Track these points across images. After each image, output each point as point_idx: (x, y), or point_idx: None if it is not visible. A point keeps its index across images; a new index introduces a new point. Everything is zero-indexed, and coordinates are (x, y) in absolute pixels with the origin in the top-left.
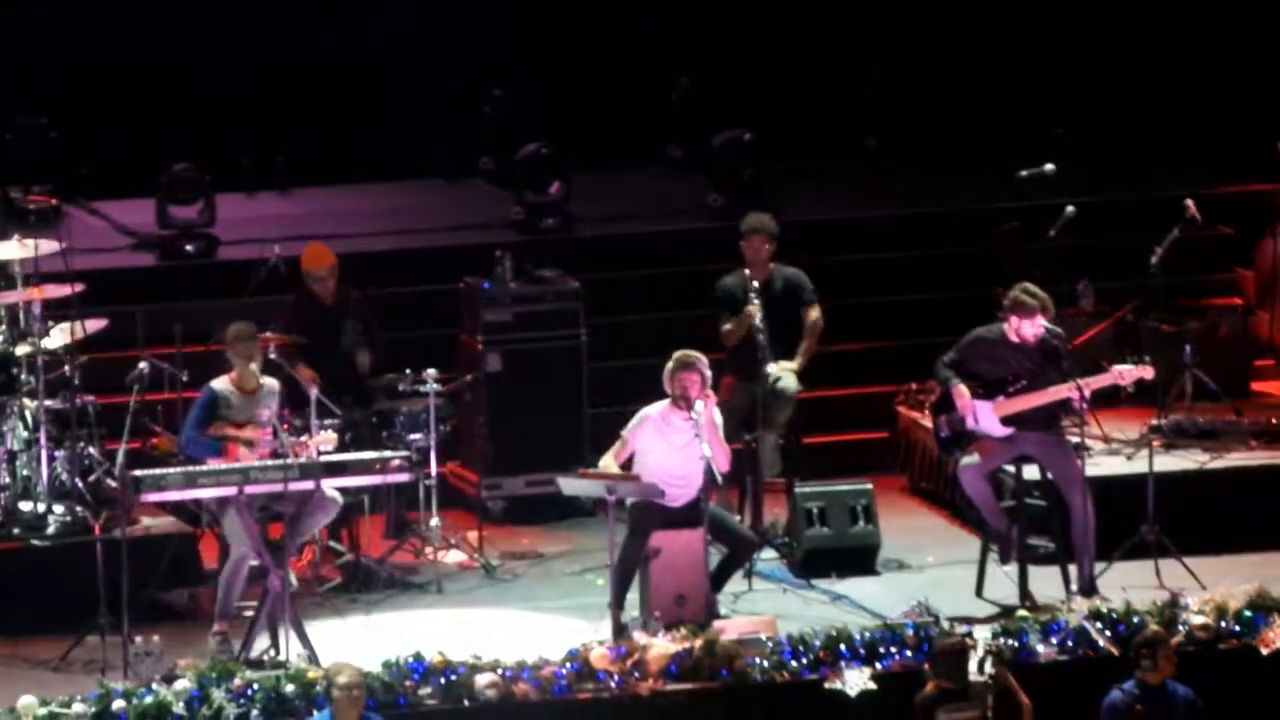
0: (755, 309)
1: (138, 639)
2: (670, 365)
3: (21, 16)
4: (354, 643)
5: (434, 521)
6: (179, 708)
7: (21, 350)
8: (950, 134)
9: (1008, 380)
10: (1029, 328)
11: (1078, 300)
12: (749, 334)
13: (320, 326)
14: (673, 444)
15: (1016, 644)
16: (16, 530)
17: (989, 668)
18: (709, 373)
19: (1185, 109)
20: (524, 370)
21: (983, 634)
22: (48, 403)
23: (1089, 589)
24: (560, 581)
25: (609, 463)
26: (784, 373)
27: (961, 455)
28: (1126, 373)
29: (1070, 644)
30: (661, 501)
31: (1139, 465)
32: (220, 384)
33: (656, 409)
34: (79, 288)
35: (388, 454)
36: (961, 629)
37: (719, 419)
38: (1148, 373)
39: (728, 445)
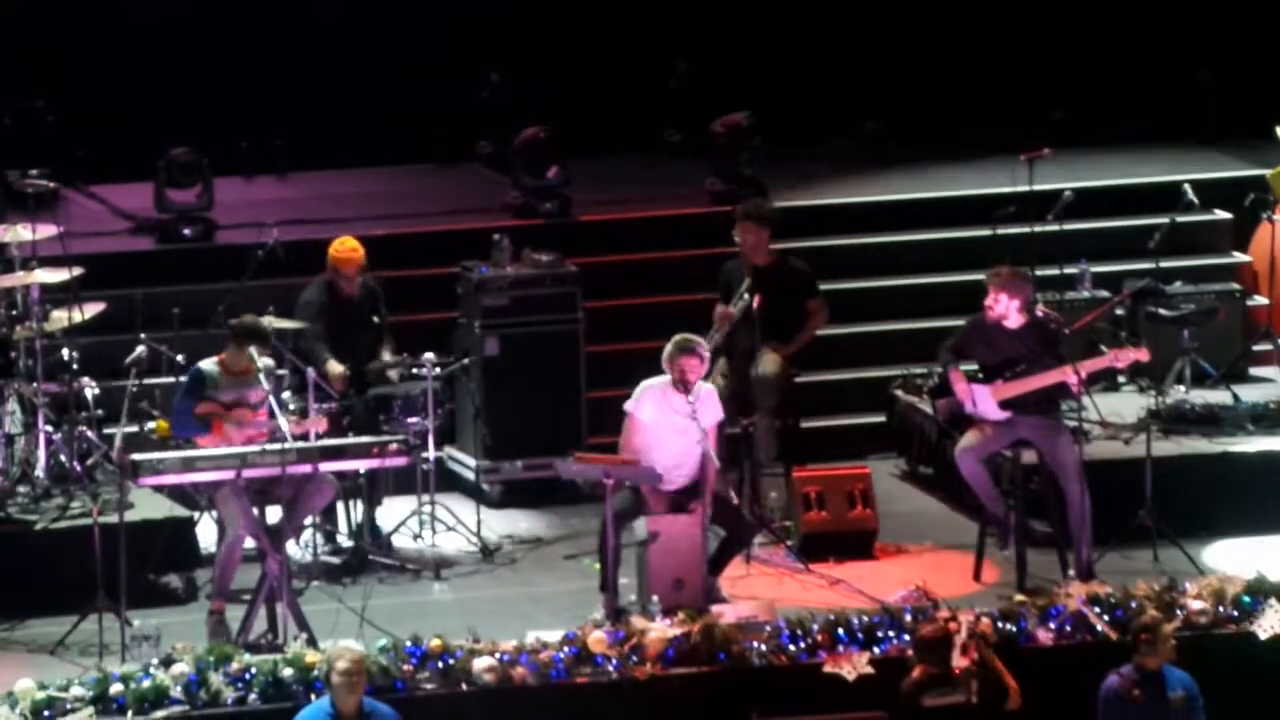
0: (736, 310)
1: (135, 622)
2: (669, 349)
3: None
4: (352, 627)
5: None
6: (176, 691)
7: (19, 334)
8: (948, 118)
9: (1006, 365)
10: (999, 306)
11: (1076, 284)
12: (736, 322)
13: (343, 320)
14: (670, 423)
15: (1015, 629)
16: (14, 514)
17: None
18: (708, 356)
19: (1185, 92)
20: (521, 355)
21: (966, 618)
22: (45, 386)
23: (1086, 573)
24: (557, 565)
25: (623, 444)
26: (765, 358)
27: (960, 439)
28: (1122, 354)
29: (1068, 629)
30: (658, 485)
31: (1137, 450)
32: (208, 364)
33: (657, 381)
34: (77, 271)
35: (385, 438)
36: (943, 613)
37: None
38: (1143, 354)
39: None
